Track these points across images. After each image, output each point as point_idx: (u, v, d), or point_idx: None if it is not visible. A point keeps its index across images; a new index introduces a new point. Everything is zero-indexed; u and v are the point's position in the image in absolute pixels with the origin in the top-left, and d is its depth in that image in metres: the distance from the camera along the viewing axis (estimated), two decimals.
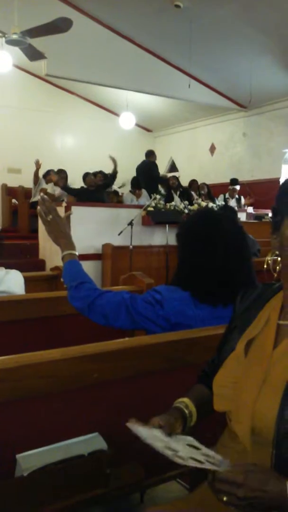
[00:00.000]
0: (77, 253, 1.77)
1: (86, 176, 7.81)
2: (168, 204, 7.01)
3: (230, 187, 8.98)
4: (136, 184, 8.37)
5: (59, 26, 5.28)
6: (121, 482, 1.28)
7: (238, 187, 8.97)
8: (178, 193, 8.70)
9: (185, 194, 8.59)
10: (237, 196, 8.93)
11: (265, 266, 1.26)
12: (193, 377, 1.48)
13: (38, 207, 1.79)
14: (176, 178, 9.04)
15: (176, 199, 8.45)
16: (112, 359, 1.30)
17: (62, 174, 8.60)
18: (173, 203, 7.26)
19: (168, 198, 8.21)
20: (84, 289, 1.66)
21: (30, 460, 1.18)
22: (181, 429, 1.11)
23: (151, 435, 1.02)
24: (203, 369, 1.30)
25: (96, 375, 1.26)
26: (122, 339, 1.39)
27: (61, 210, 6.12)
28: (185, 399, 1.17)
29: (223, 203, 8.41)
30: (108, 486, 1.25)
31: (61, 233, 1.77)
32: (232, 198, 8.85)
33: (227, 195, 8.88)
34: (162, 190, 8.81)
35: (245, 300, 1.22)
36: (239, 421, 1.02)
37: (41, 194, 1.87)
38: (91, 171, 8.31)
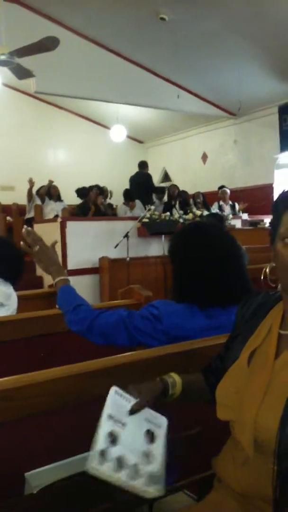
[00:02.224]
0: (68, 278, 1.78)
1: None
2: (163, 215, 7.06)
3: (220, 191, 9.02)
4: (129, 196, 8.43)
5: (46, 45, 5.34)
6: (128, 496, 1.28)
7: (228, 190, 9.00)
8: (178, 202, 8.78)
9: (184, 203, 8.67)
10: (231, 202, 8.95)
11: (262, 277, 1.28)
12: None
13: (22, 242, 1.83)
14: (177, 187, 9.12)
15: (175, 208, 8.53)
16: (113, 374, 1.31)
17: (54, 188, 8.72)
18: (169, 213, 7.32)
19: (167, 208, 8.28)
20: (81, 312, 1.66)
21: (39, 477, 1.19)
22: (159, 397, 1.15)
23: (116, 404, 1.07)
24: (209, 363, 1.32)
25: (99, 391, 1.28)
26: (122, 354, 1.41)
27: (56, 226, 6.22)
28: (177, 378, 1.20)
29: (217, 211, 8.46)
30: (116, 500, 1.26)
31: (50, 261, 1.78)
32: (226, 203, 8.84)
33: (220, 202, 8.91)
34: (157, 201, 8.84)
35: (247, 308, 1.23)
36: (242, 431, 1.03)
37: (25, 226, 1.90)
38: (85, 185, 8.41)
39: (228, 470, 1.12)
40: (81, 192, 8.29)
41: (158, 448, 1.06)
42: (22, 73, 6.14)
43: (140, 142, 12.55)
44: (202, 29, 7.13)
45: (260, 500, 1.04)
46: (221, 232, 1.70)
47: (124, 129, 10.34)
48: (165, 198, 9.19)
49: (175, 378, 1.20)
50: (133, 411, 1.07)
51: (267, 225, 8.08)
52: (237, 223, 8.09)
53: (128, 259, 6.13)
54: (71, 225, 6.31)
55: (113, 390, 1.09)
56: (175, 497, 1.90)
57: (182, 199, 8.84)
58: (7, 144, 10.18)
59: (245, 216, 8.66)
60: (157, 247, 6.87)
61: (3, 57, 5.47)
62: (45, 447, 1.26)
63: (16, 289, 2.59)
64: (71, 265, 6.17)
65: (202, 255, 1.60)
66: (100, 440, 1.00)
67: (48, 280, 5.95)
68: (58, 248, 6.38)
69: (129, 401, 1.09)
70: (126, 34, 7.64)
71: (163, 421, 1.11)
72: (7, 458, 1.21)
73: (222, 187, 9.10)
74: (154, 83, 8.76)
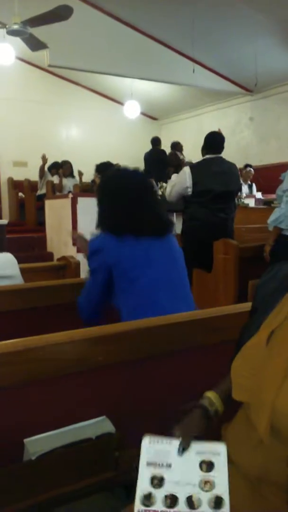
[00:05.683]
0: None
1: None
2: None
3: (244, 170, 8.74)
4: (146, 173, 8.32)
5: (60, 14, 5.23)
6: (130, 465, 1.26)
7: (252, 171, 8.78)
8: None
9: None
10: (249, 182, 8.75)
11: None
12: (200, 359, 1.46)
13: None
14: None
15: None
16: (116, 342, 1.28)
17: (67, 165, 8.65)
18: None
19: None
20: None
21: (38, 444, 1.17)
22: (205, 425, 1.08)
23: (153, 451, 0.99)
24: None
25: (101, 358, 1.25)
26: (126, 322, 1.38)
27: (67, 202, 6.18)
28: (210, 394, 1.13)
29: None
30: (118, 469, 1.24)
31: None
32: (245, 183, 8.63)
33: (240, 180, 8.61)
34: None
35: (271, 280, 1.11)
36: (258, 415, 0.96)
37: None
38: (99, 161, 8.29)
39: (240, 449, 1.05)
40: (100, 167, 8.10)
41: (219, 474, 0.96)
42: (36, 44, 6.04)
43: (154, 119, 12.38)
44: (219, 2, 6.93)
45: (273, 486, 0.98)
46: (137, 176, 1.99)
47: (138, 105, 10.19)
48: None
49: (209, 396, 1.13)
50: (183, 450, 0.99)
51: None
52: (251, 202, 7.97)
53: None
54: (82, 202, 6.26)
55: (147, 440, 1.01)
56: None
57: None
58: (20, 119, 10.10)
59: (259, 195, 8.52)
60: None
61: (16, 27, 5.39)
62: (45, 414, 1.24)
63: (27, 263, 2.55)
64: None
65: (117, 193, 1.89)
66: (142, 486, 0.93)
67: (58, 255, 5.95)
68: (69, 225, 6.37)
69: (170, 443, 1.00)
70: (142, 6, 7.44)
71: (219, 447, 1.00)
72: (6, 424, 1.19)
73: (248, 166, 8.80)
74: (169, 57, 8.57)
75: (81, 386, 1.29)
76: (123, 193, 1.90)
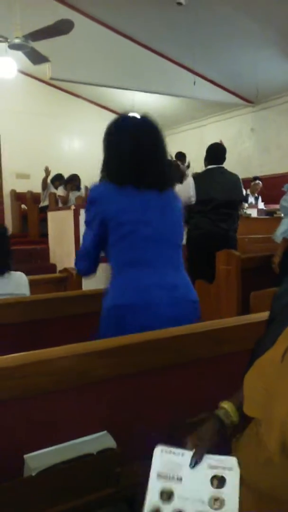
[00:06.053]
0: None
1: None
2: None
3: (252, 182, 8.73)
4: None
5: (60, 28, 5.28)
6: (132, 481, 1.24)
7: (261, 184, 8.80)
8: None
9: None
10: (256, 195, 8.74)
11: None
12: (202, 372, 1.45)
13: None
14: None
15: None
16: (118, 355, 1.27)
17: (75, 179, 8.67)
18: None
19: None
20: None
21: (38, 460, 1.16)
22: (219, 438, 1.04)
23: (165, 462, 0.98)
24: None
25: (103, 372, 1.24)
26: (127, 335, 1.36)
27: (70, 214, 6.19)
28: (227, 405, 1.09)
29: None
30: (119, 485, 1.22)
31: None
32: (253, 195, 8.64)
33: (247, 191, 8.62)
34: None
35: (286, 292, 1.08)
36: (269, 432, 0.92)
37: None
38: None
39: (249, 464, 1.00)
40: None
41: (230, 491, 0.94)
42: (37, 58, 6.09)
43: None
44: (218, 14, 6.99)
45: (283, 504, 0.93)
46: (142, 121, 1.87)
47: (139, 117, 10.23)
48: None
49: (225, 407, 1.09)
50: (195, 463, 0.97)
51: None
52: (253, 213, 7.97)
53: None
54: (83, 212, 6.25)
55: (159, 449, 1.00)
56: None
57: None
58: (23, 132, 10.15)
59: (261, 205, 8.52)
60: None
61: (17, 41, 5.43)
62: (46, 429, 1.23)
63: (29, 275, 2.53)
64: None
65: (118, 137, 1.81)
66: (151, 499, 0.93)
67: (60, 266, 5.95)
68: (71, 236, 6.37)
69: (182, 455, 0.99)
70: (142, 19, 7.52)
71: (232, 462, 0.99)
72: (7, 439, 1.18)
73: (256, 178, 8.85)
74: (170, 69, 8.63)
75: (82, 400, 1.27)
76: (123, 136, 1.80)
